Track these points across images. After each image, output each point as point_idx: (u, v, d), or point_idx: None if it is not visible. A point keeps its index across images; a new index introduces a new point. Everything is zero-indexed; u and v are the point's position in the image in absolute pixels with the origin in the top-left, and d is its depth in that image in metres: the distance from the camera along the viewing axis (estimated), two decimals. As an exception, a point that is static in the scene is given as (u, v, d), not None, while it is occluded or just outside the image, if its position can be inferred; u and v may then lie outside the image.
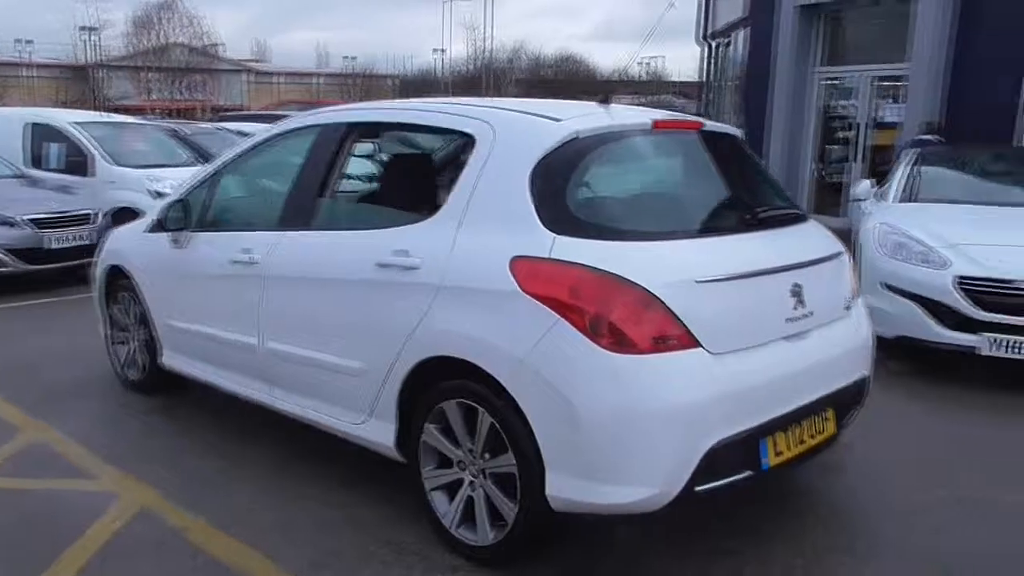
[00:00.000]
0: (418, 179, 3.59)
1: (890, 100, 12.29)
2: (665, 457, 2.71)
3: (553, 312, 2.76)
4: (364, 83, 61.84)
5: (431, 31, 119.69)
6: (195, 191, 4.41)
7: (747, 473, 2.89)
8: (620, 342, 2.69)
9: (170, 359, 4.64)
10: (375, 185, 4.11)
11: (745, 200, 3.47)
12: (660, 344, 2.72)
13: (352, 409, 3.49)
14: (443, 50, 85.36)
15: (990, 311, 5.15)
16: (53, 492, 3.69)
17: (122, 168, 10.10)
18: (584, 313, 2.72)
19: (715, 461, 2.76)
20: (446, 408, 3.11)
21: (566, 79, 60.74)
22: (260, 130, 4.48)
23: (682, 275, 2.81)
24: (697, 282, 2.82)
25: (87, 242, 8.36)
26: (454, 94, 60.36)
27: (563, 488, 2.78)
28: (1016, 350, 5.10)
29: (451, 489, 3.19)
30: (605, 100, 3.44)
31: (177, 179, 9.99)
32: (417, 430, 3.23)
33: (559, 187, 2.99)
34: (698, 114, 16.59)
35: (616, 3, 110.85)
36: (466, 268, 3.01)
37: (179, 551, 3.19)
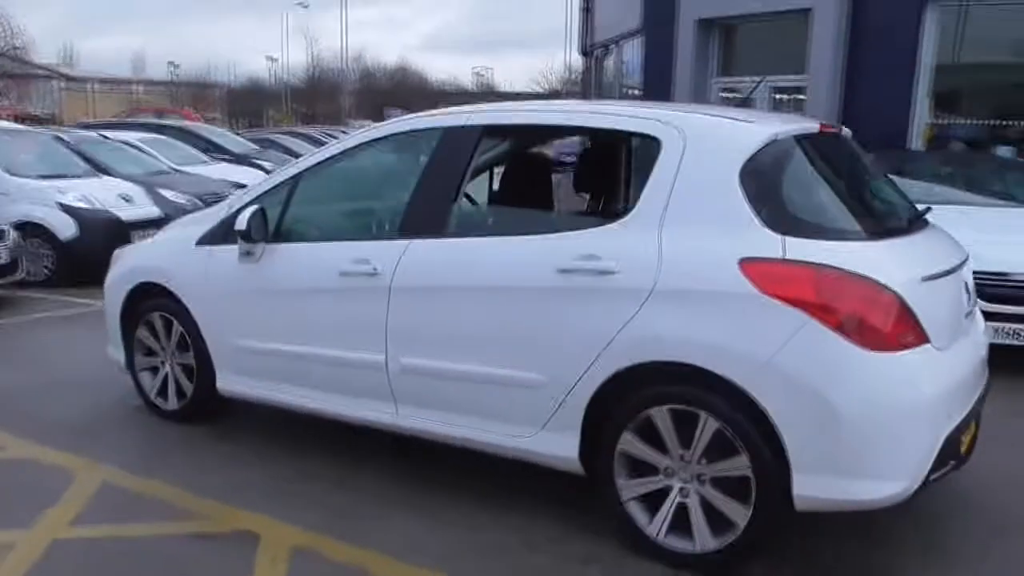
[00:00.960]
0: (596, 182, 3.49)
1: (790, 109, 13.09)
2: (916, 450, 2.78)
3: (802, 313, 2.76)
4: (191, 91, 59.13)
5: (255, 38, 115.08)
6: (267, 200, 4.05)
7: (953, 464, 3.02)
8: (874, 340, 2.73)
9: (232, 383, 4.23)
10: (537, 189, 3.93)
11: (895, 201, 3.60)
12: (904, 341, 2.79)
13: (517, 422, 3.33)
14: (275, 59, 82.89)
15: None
16: (177, 539, 3.28)
17: (20, 179, 9.12)
18: (836, 312, 2.74)
19: (944, 452, 2.87)
20: (654, 415, 3.03)
21: (397, 88, 60.60)
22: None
23: (911, 273, 2.90)
24: (922, 280, 2.91)
25: (2, 261, 7.51)
26: (292, 103, 59.43)
27: (812, 487, 2.79)
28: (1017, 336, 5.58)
29: (654, 498, 3.11)
30: (744, 103, 3.49)
31: (86, 191, 9.27)
32: (610, 440, 3.13)
33: (771, 188, 3.00)
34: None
35: (444, 16, 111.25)
36: (683, 272, 2.95)
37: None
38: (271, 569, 3.04)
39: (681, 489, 3.05)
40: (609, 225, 3.18)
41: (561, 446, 3.24)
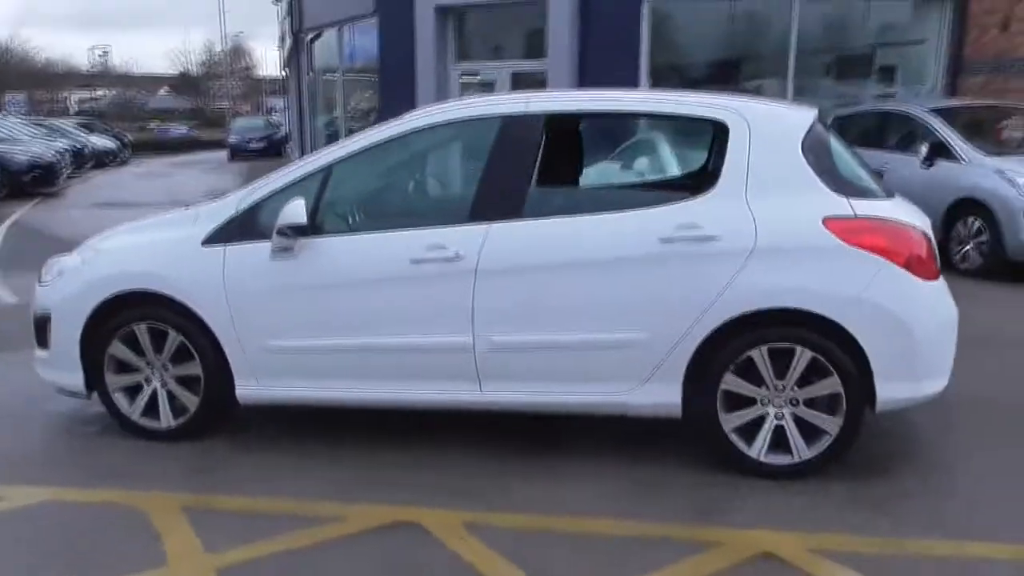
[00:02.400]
0: (676, 161, 3.91)
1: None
2: (950, 353, 3.69)
3: (878, 256, 3.52)
4: None
5: None
6: (297, 192, 3.91)
7: None
8: (924, 272, 3.58)
9: (261, 389, 4.02)
10: (618, 169, 4.19)
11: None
12: (937, 272, 3.68)
13: (617, 380, 3.72)
14: None
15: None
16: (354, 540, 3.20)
17: None
18: (902, 254, 3.54)
19: None
20: (754, 355, 3.62)
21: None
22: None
23: (924, 222, 3.79)
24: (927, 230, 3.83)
25: None
26: None
27: (891, 391, 3.58)
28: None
29: (753, 426, 3.71)
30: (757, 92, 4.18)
31: None
32: (713, 382, 3.67)
33: (824, 159, 3.72)
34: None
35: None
36: (777, 232, 3.56)
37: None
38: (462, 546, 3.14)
39: (776, 414, 3.68)
40: (696, 198, 3.68)
41: (664, 395, 3.71)
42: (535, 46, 13.56)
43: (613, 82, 12.59)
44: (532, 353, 3.76)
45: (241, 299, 3.93)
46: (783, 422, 3.68)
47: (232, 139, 32.15)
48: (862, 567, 2.99)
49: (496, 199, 3.80)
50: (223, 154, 32.71)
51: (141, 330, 4.09)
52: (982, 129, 9.52)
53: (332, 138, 18.50)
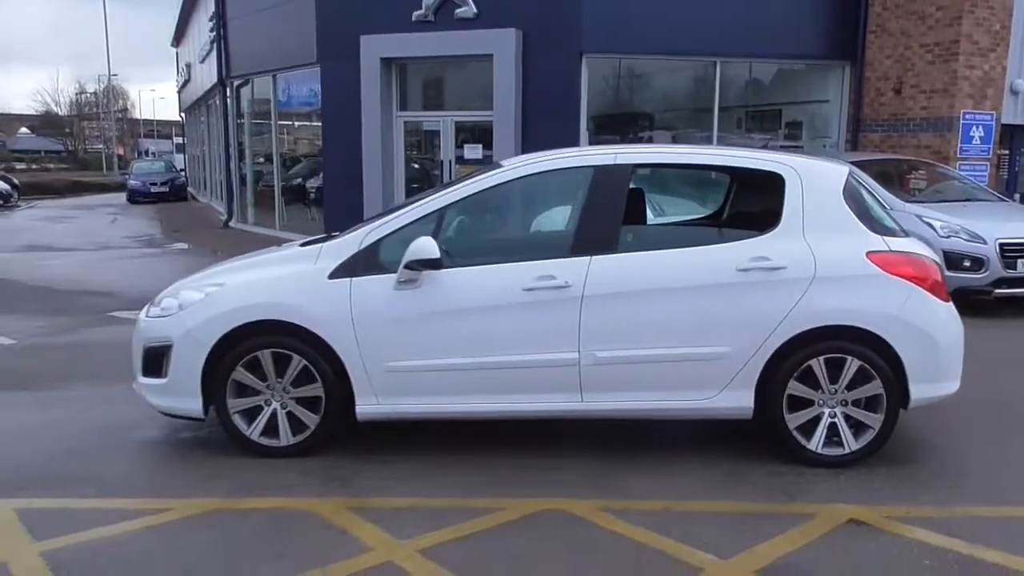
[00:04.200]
0: (745, 206, 4.67)
1: (471, 140, 14.89)
2: (961, 360, 4.59)
3: (909, 283, 4.39)
4: None
5: None
6: (415, 231, 4.47)
7: None
8: (942, 295, 4.48)
9: (381, 407, 4.50)
10: (697, 211, 4.89)
11: None
12: (949, 296, 4.59)
13: (702, 388, 4.42)
14: None
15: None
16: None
17: None
18: (926, 280, 4.42)
19: None
20: (813, 364, 4.41)
21: None
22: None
23: (936, 256, 4.71)
24: None
25: None
26: None
27: (922, 391, 4.43)
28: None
29: (811, 423, 4.48)
30: (767, 145, 5.06)
31: None
32: (780, 388, 4.42)
33: (859, 205, 4.59)
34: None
35: None
36: (831, 263, 4.37)
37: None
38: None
39: (830, 413, 4.47)
40: (762, 236, 4.46)
41: (741, 400, 4.43)
42: (478, 97, 14.33)
43: (554, 132, 13.60)
44: (627, 366, 4.41)
45: (366, 326, 4.42)
46: (836, 420, 4.47)
47: (133, 182, 31.36)
48: (932, 527, 3.76)
49: (594, 236, 4.47)
50: (114, 197, 31.86)
51: (264, 357, 4.50)
52: (892, 180, 10.90)
53: (260, 181, 18.67)
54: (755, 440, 4.76)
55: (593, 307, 4.37)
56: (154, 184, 30.52)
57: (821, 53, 14.30)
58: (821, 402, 4.47)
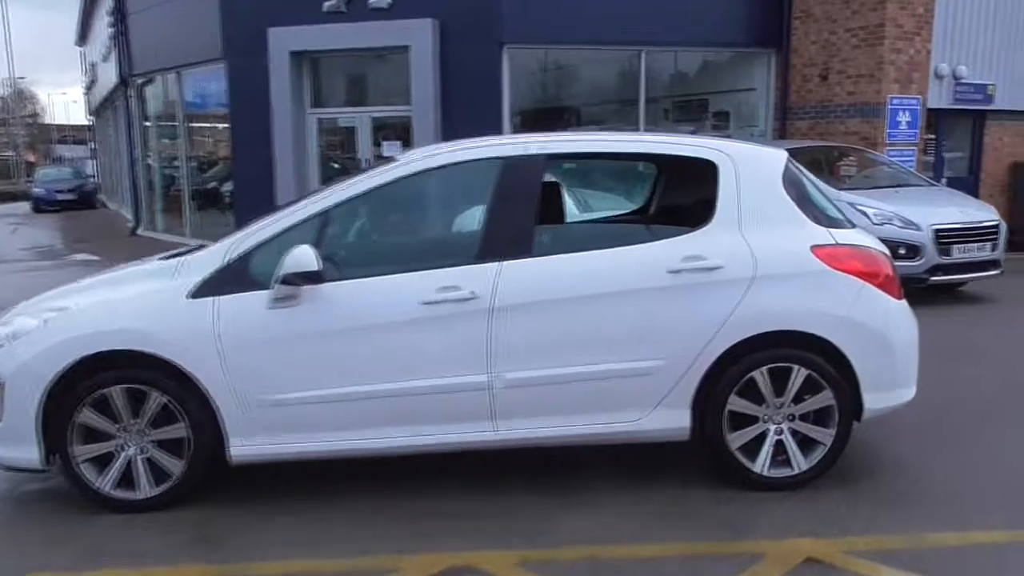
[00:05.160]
0: (674, 198, 4.10)
1: (391, 137, 14.15)
2: (917, 363, 4.11)
3: (859, 279, 3.88)
4: None
5: None
6: (291, 239, 3.79)
7: None
8: (895, 291, 3.99)
9: (259, 446, 3.81)
10: (623, 206, 4.27)
11: None
12: (902, 292, 4.10)
13: (631, 408, 3.85)
14: None
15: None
16: None
17: None
18: (877, 276, 3.93)
19: None
20: (756, 376, 3.88)
21: None
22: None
23: (885, 249, 4.23)
24: None
25: None
26: None
27: (876, 401, 3.94)
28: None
29: (756, 443, 3.94)
30: (694, 131, 4.53)
31: None
32: (719, 404, 3.88)
33: (802, 193, 4.07)
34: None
35: None
36: (773, 260, 3.85)
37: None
38: None
39: (776, 429, 3.94)
40: (695, 232, 3.90)
41: (675, 420, 3.88)
42: (395, 92, 13.62)
43: (476, 127, 12.95)
44: (546, 388, 3.81)
45: (237, 353, 3.72)
46: (782, 437, 3.94)
47: (37, 190, 29.63)
48: (900, 563, 3.26)
49: (504, 239, 3.85)
50: (19, 206, 30.11)
51: (114, 394, 3.76)
52: (822, 167, 10.57)
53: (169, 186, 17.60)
54: (695, 463, 4.21)
55: (504, 321, 3.75)
56: (60, 191, 28.86)
57: (746, 41, 13.98)
58: (766, 418, 3.94)
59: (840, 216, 4.20)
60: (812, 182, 4.37)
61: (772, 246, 3.88)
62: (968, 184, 13.79)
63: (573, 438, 3.91)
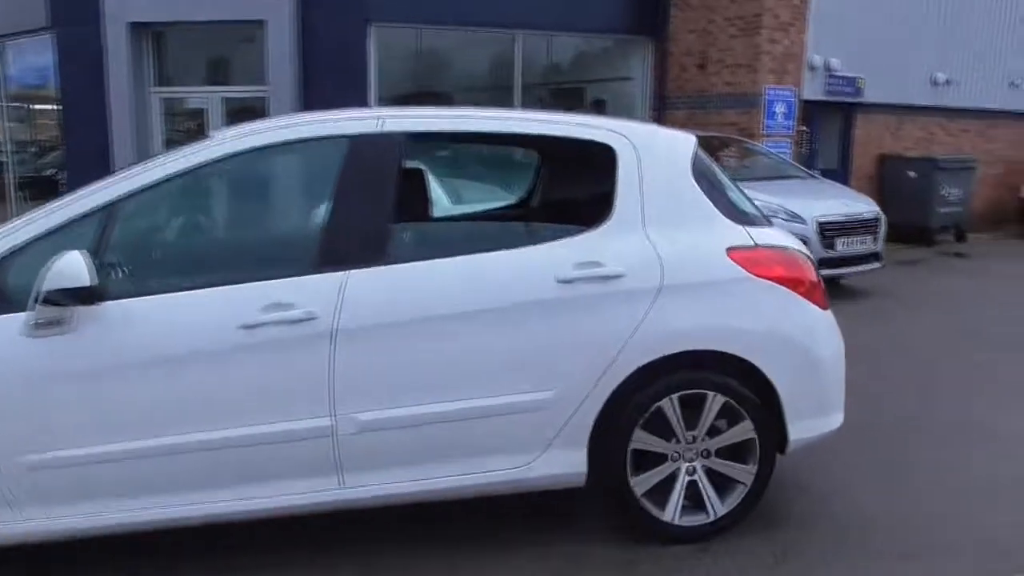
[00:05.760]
0: (564, 190, 3.33)
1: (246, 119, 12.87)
2: (843, 384, 3.53)
3: (782, 287, 3.26)
4: None
5: None
6: (61, 243, 2.82)
7: None
8: (821, 300, 3.39)
9: (20, 523, 2.83)
10: (504, 199, 3.41)
11: None
12: (827, 301, 3.50)
13: (514, 451, 3.10)
14: None
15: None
16: None
17: None
18: (802, 283, 3.31)
19: None
20: (664, 405, 3.19)
21: None
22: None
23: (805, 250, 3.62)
24: None
25: None
26: None
27: (801, 430, 3.33)
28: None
29: (664, 485, 3.27)
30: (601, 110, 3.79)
31: None
32: (621, 441, 3.18)
33: (713, 186, 3.41)
34: None
35: None
36: (683, 267, 3.16)
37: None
38: None
39: (688, 468, 3.28)
40: (590, 232, 3.17)
41: (567, 463, 3.15)
42: (251, 71, 12.39)
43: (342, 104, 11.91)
44: (406, 431, 3.00)
45: (-13, 398, 2.72)
46: (696, 477, 3.28)
47: None
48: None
49: (352, 240, 3.00)
50: None
51: None
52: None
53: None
54: (594, 512, 3.50)
55: (351, 347, 2.91)
56: None
57: (624, 27, 13.53)
58: (676, 455, 3.26)
59: (755, 211, 3.56)
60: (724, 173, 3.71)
61: (681, 249, 3.20)
62: (840, 176, 13.84)
63: (442, 492, 3.11)
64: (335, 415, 2.92)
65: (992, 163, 15.76)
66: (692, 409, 3.23)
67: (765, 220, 3.55)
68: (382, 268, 2.98)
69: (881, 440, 4.43)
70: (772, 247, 3.33)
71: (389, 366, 2.94)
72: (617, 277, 3.09)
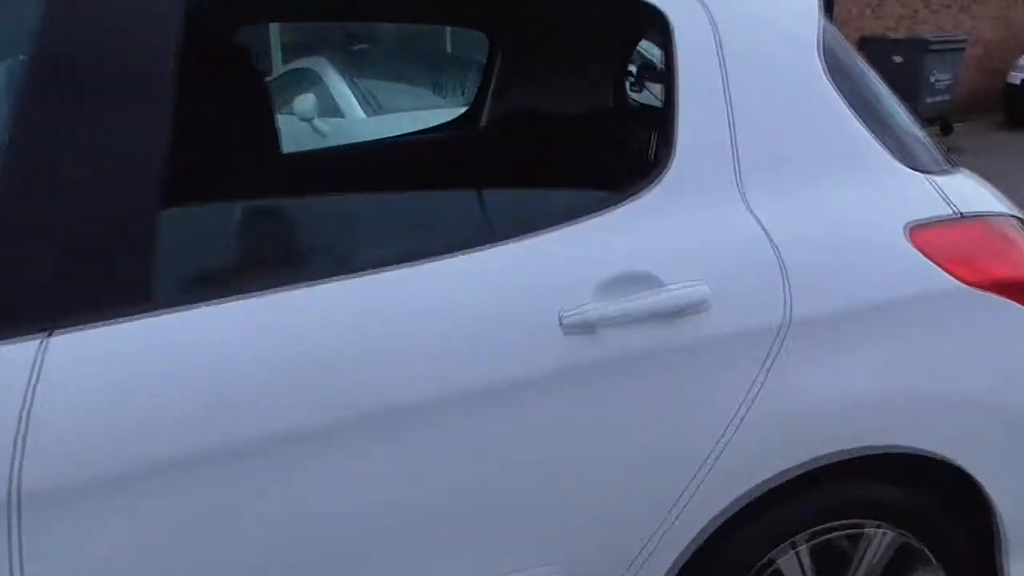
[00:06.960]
0: (555, 99, 1.54)
1: None
2: None
3: (1009, 301, 1.57)
4: None
5: None
6: None
7: None
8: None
9: None
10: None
11: None
12: None
13: None
14: None
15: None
16: None
17: None
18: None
19: None
20: (782, 563, 1.54)
21: None
22: None
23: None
24: None
25: None
26: None
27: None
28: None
29: None
30: None
31: None
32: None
33: (862, 92, 1.65)
34: None
35: None
36: (832, 273, 1.46)
37: None
38: None
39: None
40: (625, 206, 1.41)
41: None
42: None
43: None
44: None
45: None
46: None
47: None
48: None
49: (54, 253, 1.18)
50: None
51: None
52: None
53: None
54: None
55: (47, 524, 1.14)
56: None
57: None
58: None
59: (927, 138, 1.82)
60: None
61: (822, 234, 1.47)
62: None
63: None
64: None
65: (974, 43, 14.22)
66: (833, 555, 1.58)
67: (944, 157, 1.80)
68: (134, 323, 1.18)
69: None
70: (983, 217, 1.62)
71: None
72: (695, 307, 1.36)
